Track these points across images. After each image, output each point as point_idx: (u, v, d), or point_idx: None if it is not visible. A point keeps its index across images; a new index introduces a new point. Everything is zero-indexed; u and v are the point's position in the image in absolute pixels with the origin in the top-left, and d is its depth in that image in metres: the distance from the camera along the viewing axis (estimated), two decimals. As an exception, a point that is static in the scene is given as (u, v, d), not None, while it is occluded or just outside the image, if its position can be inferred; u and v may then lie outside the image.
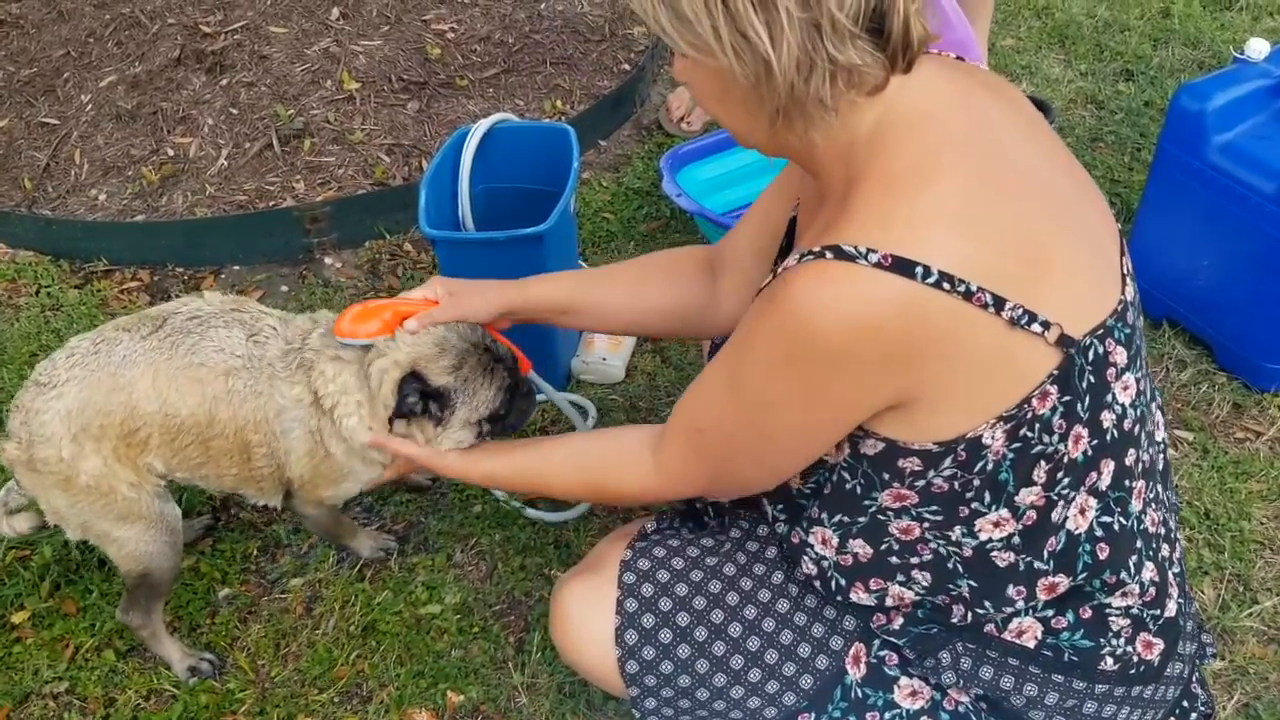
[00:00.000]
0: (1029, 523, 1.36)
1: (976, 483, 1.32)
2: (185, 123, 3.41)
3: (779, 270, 1.32)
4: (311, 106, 3.43)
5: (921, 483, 1.34)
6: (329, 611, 2.23)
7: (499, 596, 2.24)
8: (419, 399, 1.74)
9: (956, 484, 1.33)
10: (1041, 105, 3.07)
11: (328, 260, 3.21)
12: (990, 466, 1.31)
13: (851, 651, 1.57)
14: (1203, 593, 2.16)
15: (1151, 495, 1.47)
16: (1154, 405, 1.52)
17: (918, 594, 1.46)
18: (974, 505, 1.35)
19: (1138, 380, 1.39)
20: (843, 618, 1.59)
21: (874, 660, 1.57)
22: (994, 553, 1.38)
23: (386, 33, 3.62)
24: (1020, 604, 1.42)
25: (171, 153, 3.36)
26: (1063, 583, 1.41)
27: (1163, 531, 1.52)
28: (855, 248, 1.20)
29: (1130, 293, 1.37)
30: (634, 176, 3.44)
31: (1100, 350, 1.30)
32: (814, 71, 1.18)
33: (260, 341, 1.86)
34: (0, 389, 2.78)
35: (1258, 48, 2.49)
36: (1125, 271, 1.38)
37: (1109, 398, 1.34)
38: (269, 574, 2.32)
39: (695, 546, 1.68)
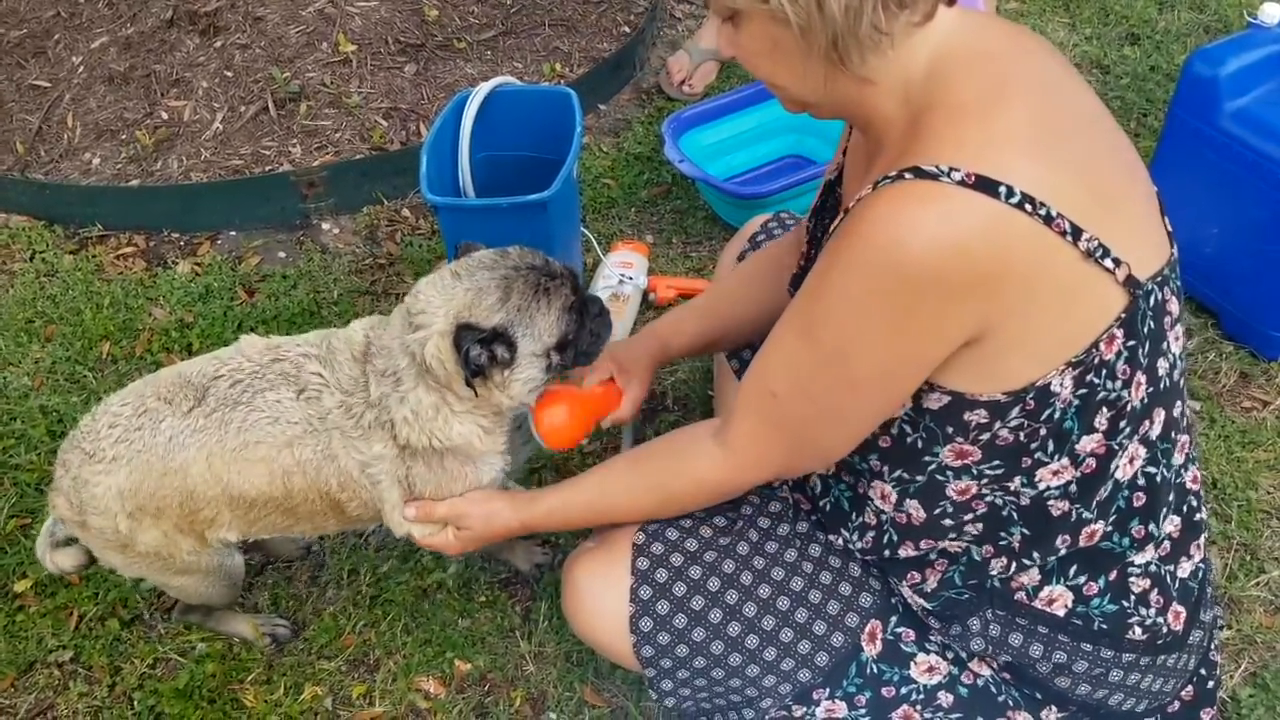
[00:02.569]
0: (1088, 470, 1.35)
1: (1043, 432, 1.31)
2: (179, 86, 3.35)
3: (849, 206, 1.29)
4: (307, 69, 3.37)
5: (986, 436, 1.32)
6: (334, 581, 2.22)
7: (505, 566, 2.22)
8: (481, 349, 1.57)
9: (1022, 435, 1.31)
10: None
11: (325, 226, 3.17)
12: (1057, 414, 1.29)
13: (867, 629, 1.57)
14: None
15: (1195, 453, 1.48)
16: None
17: (965, 544, 1.45)
18: (1037, 455, 1.33)
19: (1181, 334, 1.40)
20: (859, 595, 1.58)
21: (890, 637, 1.56)
22: (1050, 501, 1.37)
23: (383, -6, 3.56)
24: (1064, 550, 1.41)
25: (165, 116, 3.30)
26: (1099, 529, 1.40)
27: (1201, 491, 1.52)
28: (936, 166, 1.18)
29: (1175, 251, 1.37)
30: (634, 141, 3.40)
31: (1160, 297, 1.30)
32: None
33: (313, 397, 1.70)
34: (-4, 356, 2.75)
35: (1271, 12, 2.46)
36: (1169, 230, 1.39)
37: (1164, 345, 1.34)
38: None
39: (708, 526, 1.66)
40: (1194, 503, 1.50)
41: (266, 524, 1.81)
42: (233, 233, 3.17)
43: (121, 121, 3.30)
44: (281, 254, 3.09)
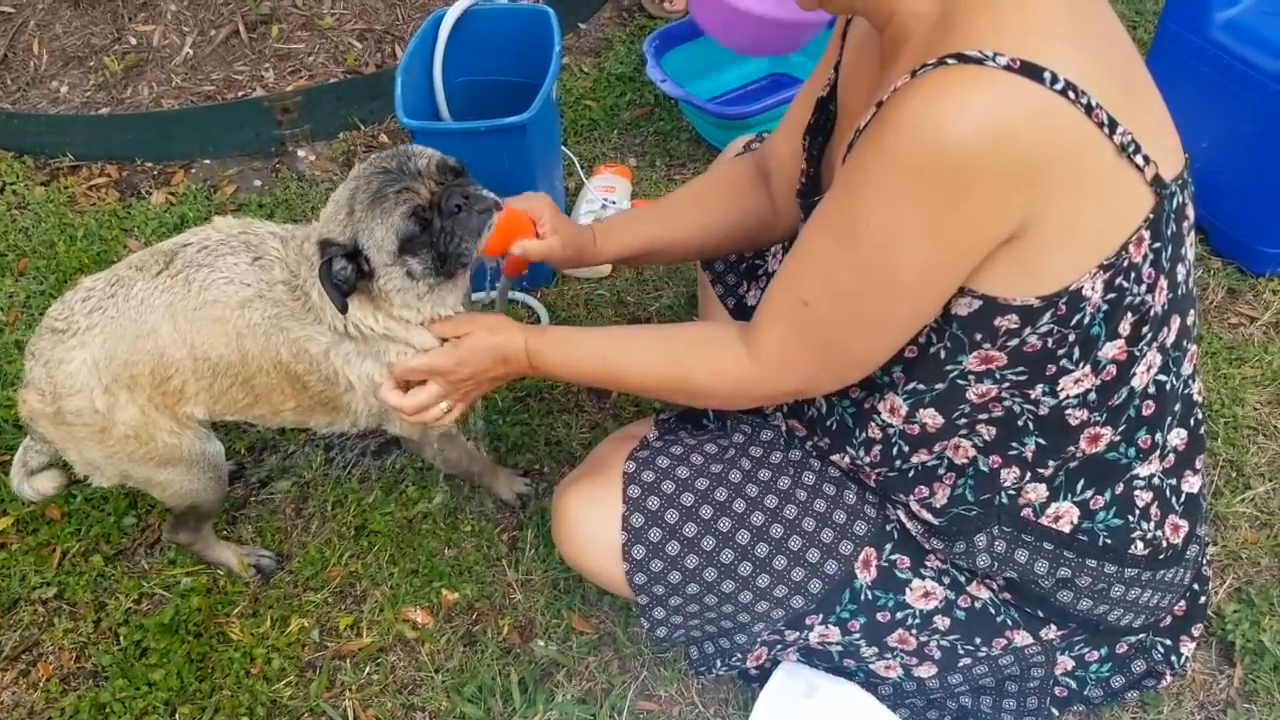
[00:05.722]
0: (1108, 377, 1.34)
1: (1071, 338, 1.29)
2: (147, 9, 3.26)
3: (883, 100, 1.24)
4: (278, -10, 3.29)
5: (1014, 342, 1.30)
6: (318, 513, 2.21)
7: (489, 496, 2.21)
8: (346, 263, 1.55)
9: (1050, 340, 1.29)
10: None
11: (300, 153, 3.11)
12: (1086, 319, 1.27)
13: (861, 556, 1.56)
14: (1195, 479, 2.17)
15: (1200, 365, 1.47)
16: None
17: (973, 453, 1.43)
18: (1062, 363, 1.31)
19: (1194, 240, 1.39)
20: (853, 523, 1.57)
21: (884, 564, 1.56)
22: (1069, 410, 1.36)
23: (354, -90, 3.45)
24: (1075, 455, 1.41)
25: (134, 41, 3.22)
26: (1107, 435, 1.39)
27: (1203, 404, 1.52)
28: (980, 51, 1.14)
29: (1188, 157, 1.35)
30: (616, 61, 3.33)
31: (1180, 200, 1.29)
32: None
33: (266, 265, 1.72)
34: (-31, 291, 2.70)
35: (1264, -81, 2.40)
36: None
37: (1183, 250, 1.33)
38: (254, 475, 2.28)
39: (699, 454, 1.65)
40: (1199, 415, 1.49)
41: (230, 400, 1.79)
42: (207, 161, 3.10)
43: (89, 47, 3.22)
44: (257, 182, 3.04)
